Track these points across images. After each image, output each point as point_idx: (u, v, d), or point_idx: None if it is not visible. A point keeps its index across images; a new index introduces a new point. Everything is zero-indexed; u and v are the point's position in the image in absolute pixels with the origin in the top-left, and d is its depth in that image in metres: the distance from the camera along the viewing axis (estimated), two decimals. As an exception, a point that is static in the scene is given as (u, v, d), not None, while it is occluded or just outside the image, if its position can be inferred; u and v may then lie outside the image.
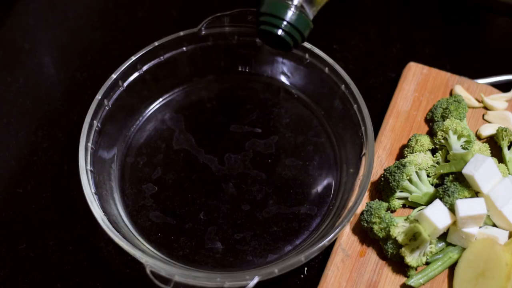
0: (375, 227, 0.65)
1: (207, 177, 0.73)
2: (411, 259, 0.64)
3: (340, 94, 0.72)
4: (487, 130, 0.74)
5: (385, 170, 0.69)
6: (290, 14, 0.56)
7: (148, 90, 0.76)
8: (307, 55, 0.73)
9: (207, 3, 0.90)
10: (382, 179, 0.69)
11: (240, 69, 0.80)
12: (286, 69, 0.78)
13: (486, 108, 0.76)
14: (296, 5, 0.56)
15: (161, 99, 0.78)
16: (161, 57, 0.75)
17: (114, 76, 0.71)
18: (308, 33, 0.57)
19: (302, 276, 0.68)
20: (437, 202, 0.65)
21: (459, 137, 0.70)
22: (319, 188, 0.72)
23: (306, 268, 0.68)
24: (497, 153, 0.71)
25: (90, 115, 0.68)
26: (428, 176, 0.70)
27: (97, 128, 0.70)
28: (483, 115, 0.76)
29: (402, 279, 0.65)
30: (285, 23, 0.56)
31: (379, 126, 0.75)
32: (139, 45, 0.74)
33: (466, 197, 0.66)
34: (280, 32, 0.56)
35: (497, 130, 0.72)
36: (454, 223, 0.65)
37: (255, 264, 0.67)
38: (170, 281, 0.60)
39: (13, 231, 0.71)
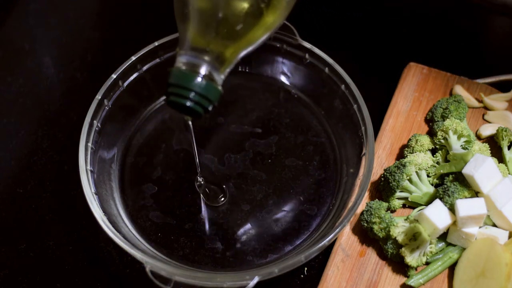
0: (375, 227, 0.65)
1: (207, 177, 0.73)
2: (411, 259, 0.64)
3: (340, 94, 0.72)
4: (487, 130, 0.74)
5: (385, 170, 0.69)
6: (197, 83, 0.56)
7: (148, 90, 0.76)
8: (307, 55, 0.73)
9: (207, 3, 0.90)
10: (382, 179, 0.69)
11: (240, 69, 0.79)
12: (286, 69, 0.77)
13: (486, 108, 0.76)
14: (204, 74, 0.57)
15: (161, 99, 0.78)
16: (161, 57, 0.75)
17: (114, 76, 0.71)
18: (217, 99, 0.58)
19: (302, 276, 0.68)
20: (437, 202, 0.65)
21: (459, 137, 0.70)
22: (319, 188, 0.72)
23: (306, 268, 0.68)
24: (497, 153, 0.71)
25: (90, 115, 0.68)
26: (428, 176, 0.70)
27: (97, 128, 0.70)
28: (483, 115, 0.76)
29: (402, 279, 0.65)
30: (193, 93, 0.56)
31: (379, 126, 0.75)
32: (139, 45, 0.74)
33: (466, 197, 0.66)
34: (188, 103, 0.57)
35: (497, 130, 0.72)
36: (454, 223, 0.65)
37: (255, 264, 0.67)
38: (170, 281, 0.60)
39: (13, 231, 0.71)
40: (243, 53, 0.60)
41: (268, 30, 0.60)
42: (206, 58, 0.57)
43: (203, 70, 0.57)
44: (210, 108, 0.58)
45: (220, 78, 0.58)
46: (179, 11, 0.59)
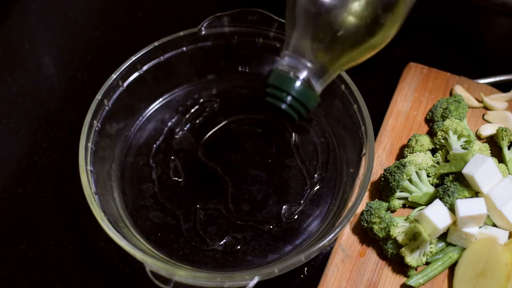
0: (375, 227, 0.65)
1: (207, 177, 0.73)
2: (411, 259, 0.64)
3: (340, 94, 0.72)
4: (487, 130, 0.74)
5: (385, 170, 0.69)
6: (295, 87, 0.56)
7: (148, 90, 0.76)
8: (307, 55, 0.73)
9: (207, 3, 0.90)
10: (382, 179, 0.69)
11: (240, 69, 0.80)
12: (286, 69, 0.77)
13: (486, 108, 0.76)
14: (303, 79, 0.56)
15: (161, 99, 0.78)
16: (161, 57, 0.75)
17: (114, 76, 0.71)
18: (313, 106, 0.58)
19: (302, 276, 0.68)
20: (437, 202, 0.65)
21: (459, 137, 0.70)
22: (319, 188, 0.72)
23: (306, 268, 0.68)
24: (497, 153, 0.71)
25: (90, 115, 0.68)
26: (428, 176, 0.70)
27: (97, 128, 0.70)
28: (483, 115, 0.76)
29: (402, 279, 0.65)
30: (289, 97, 0.56)
31: (379, 126, 0.75)
32: (139, 45, 0.74)
33: (466, 197, 0.66)
34: (284, 106, 0.56)
35: (497, 130, 0.72)
36: (454, 223, 0.65)
37: (255, 264, 0.67)
38: (170, 281, 0.60)
39: (13, 231, 0.71)
40: (348, 66, 0.58)
41: (376, 46, 0.59)
42: (308, 64, 0.56)
43: (302, 75, 0.56)
44: (304, 114, 0.57)
45: (318, 87, 0.57)
46: (290, 12, 0.58)
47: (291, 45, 0.57)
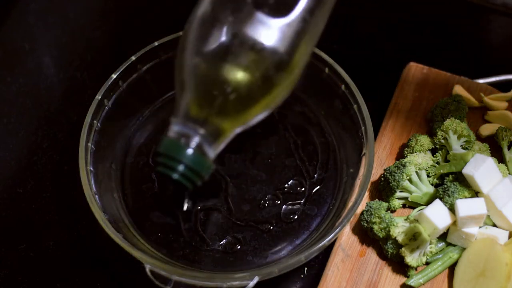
0: (375, 227, 0.65)
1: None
2: (411, 259, 0.64)
3: (340, 94, 0.72)
4: (487, 130, 0.74)
5: (385, 170, 0.69)
6: (187, 155, 0.53)
7: (148, 90, 0.76)
8: (307, 55, 0.73)
9: (207, 3, 0.90)
10: (382, 179, 0.69)
11: (240, 69, 0.79)
12: (286, 69, 0.77)
13: (486, 108, 0.76)
14: (195, 145, 0.54)
15: (161, 99, 0.78)
16: (161, 57, 0.75)
17: (114, 76, 0.71)
18: (207, 174, 0.55)
19: (302, 276, 0.68)
20: (437, 202, 0.65)
21: (459, 137, 0.70)
22: (319, 188, 0.72)
23: (306, 268, 0.68)
24: (497, 153, 0.71)
25: (90, 115, 0.68)
26: (428, 176, 0.70)
27: (97, 128, 0.70)
28: (483, 115, 0.76)
29: (402, 279, 0.65)
30: (181, 166, 0.54)
31: (379, 126, 0.75)
32: (139, 45, 0.74)
33: (466, 197, 0.66)
34: (176, 175, 0.54)
35: (497, 130, 0.72)
36: (454, 223, 0.65)
37: (255, 264, 0.67)
38: (170, 281, 0.60)
39: (13, 231, 0.71)
40: (239, 128, 0.56)
41: (269, 106, 0.57)
42: (200, 130, 0.54)
43: (194, 142, 0.54)
44: (197, 182, 0.55)
45: (212, 152, 0.55)
46: (177, 78, 0.56)
47: (181, 110, 0.55)
